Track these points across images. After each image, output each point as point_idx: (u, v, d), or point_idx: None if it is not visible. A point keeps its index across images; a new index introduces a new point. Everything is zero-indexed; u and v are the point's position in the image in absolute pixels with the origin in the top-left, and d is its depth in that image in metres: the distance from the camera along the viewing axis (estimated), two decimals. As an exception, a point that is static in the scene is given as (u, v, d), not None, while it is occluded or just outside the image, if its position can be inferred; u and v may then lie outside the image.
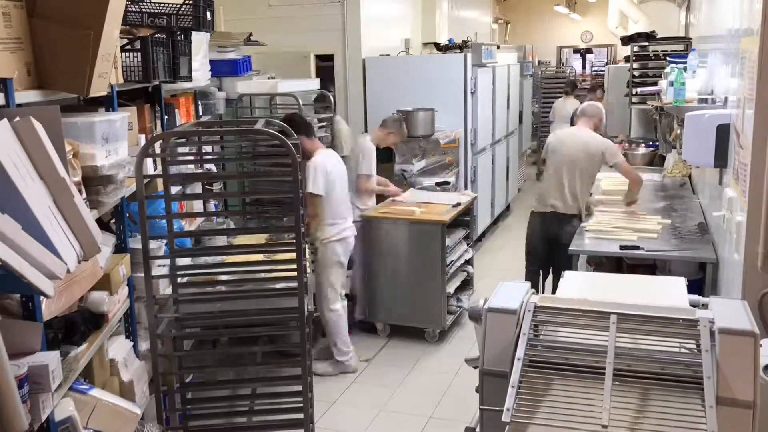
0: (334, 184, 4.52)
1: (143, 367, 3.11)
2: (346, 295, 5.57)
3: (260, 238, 4.16)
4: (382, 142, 5.37)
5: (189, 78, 3.67)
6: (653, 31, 8.25)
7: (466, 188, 6.91)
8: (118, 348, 2.95)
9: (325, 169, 4.46)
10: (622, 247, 4.03)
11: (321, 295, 4.61)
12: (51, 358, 2.08)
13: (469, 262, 5.64)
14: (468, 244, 5.62)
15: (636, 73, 7.89)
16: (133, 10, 3.18)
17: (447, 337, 5.19)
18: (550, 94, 11.95)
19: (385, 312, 5.20)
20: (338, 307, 4.64)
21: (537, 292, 2.22)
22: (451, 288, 5.23)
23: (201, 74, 3.96)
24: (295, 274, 3.07)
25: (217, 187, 4.31)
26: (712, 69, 4.34)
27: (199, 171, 3.92)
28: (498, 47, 8.69)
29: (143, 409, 2.99)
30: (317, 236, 4.54)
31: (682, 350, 1.92)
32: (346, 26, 6.77)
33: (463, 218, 5.52)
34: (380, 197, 5.53)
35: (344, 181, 4.70)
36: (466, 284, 5.65)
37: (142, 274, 3.00)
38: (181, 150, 3.79)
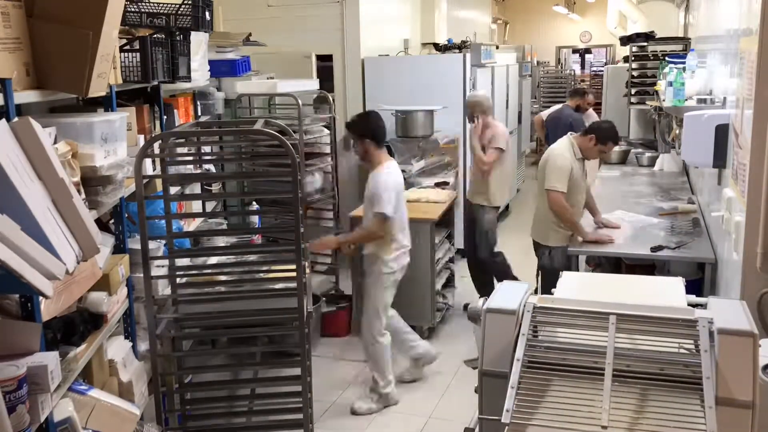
0: (401, 200, 4.11)
1: (142, 367, 3.11)
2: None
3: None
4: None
5: (188, 78, 3.67)
6: (652, 32, 8.22)
7: (465, 188, 6.90)
8: (117, 348, 2.95)
9: (398, 187, 4.06)
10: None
11: (368, 322, 4.12)
12: (50, 359, 2.08)
13: (451, 260, 5.67)
14: (450, 242, 5.66)
15: (635, 74, 7.89)
16: (132, 10, 3.17)
17: (435, 334, 5.20)
18: (550, 94, 11.96)
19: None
20: (385, 338, 4.14)
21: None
22: (438, 285, 5.25)
23: (200, 74, 3.96)
24: (294, 274, 3.06)
25: (216, 187, 4.31)
26: (711, 69, 4.34)
27: (198, 171, 3.92)
28: (497, 47, 8.70)
29: (142, 410, 2.99)
30: (379, 255, 4.06)
31: (681, 350, 1.92)
32: (345, 26, 6.76)
33: (444, 217, 5.49)
34: None
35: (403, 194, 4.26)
36: (449, 282, 5.69)
37: (141, 275, 2.99)
38: (180, 150, 3.78)
